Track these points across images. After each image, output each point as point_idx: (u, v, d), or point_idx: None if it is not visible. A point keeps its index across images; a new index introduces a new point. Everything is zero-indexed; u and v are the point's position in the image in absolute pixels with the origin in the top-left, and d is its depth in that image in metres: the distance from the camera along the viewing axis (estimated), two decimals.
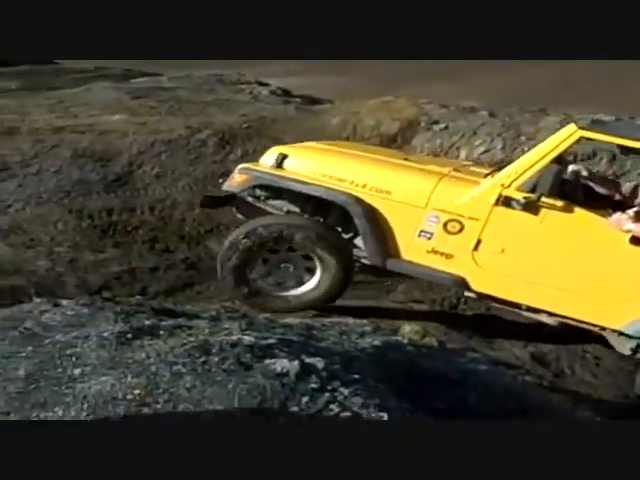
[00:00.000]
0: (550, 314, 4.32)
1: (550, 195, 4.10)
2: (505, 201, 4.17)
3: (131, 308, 2.78)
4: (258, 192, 4.72)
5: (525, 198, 4.11)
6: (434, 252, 4.31)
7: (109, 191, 6.21)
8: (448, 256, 4.29)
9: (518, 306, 4.36)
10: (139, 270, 5.05)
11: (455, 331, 4.45)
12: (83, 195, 6.11)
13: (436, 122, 7.94)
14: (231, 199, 4.84)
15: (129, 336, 2.37)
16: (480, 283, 4.32)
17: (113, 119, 7.21)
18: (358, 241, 4.58)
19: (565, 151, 4.28)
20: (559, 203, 4.12)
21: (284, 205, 4.72)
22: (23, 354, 2.28)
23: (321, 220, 4.59)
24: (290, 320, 3.73)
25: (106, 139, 6.67)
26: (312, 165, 4.54)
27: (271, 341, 2.62)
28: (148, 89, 8.65)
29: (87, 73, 11.05)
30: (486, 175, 4.50)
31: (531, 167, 4.18)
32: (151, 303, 3.15)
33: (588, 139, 4.31)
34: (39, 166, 6.29)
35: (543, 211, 4.15)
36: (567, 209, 4.14)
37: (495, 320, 4.79)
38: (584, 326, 4.25)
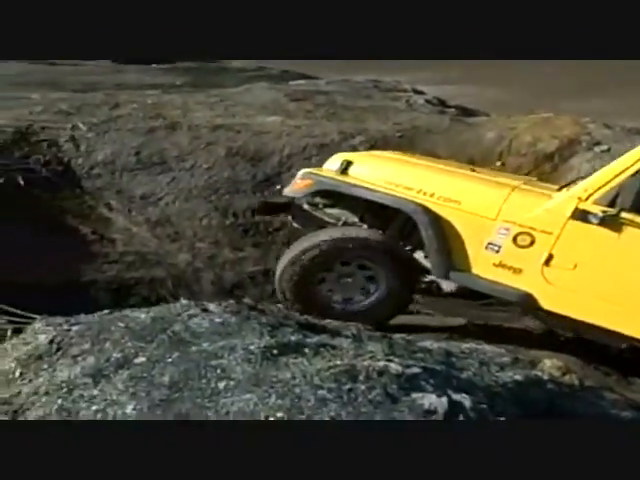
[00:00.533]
0: (622, 337, 4.07)
1: (631, 210, 3.90)
2: (581, 215, 3.97)
3: (276, 320, 2.73)
4: (317, 199, 4.65)
5: (603, 212, 3.90)
6: (501, 266, 4.14)
7: (256, 191, 6.28)
8: (516, 270, 4.11)
9: (588, 327, 4.10)
10: (273, 272, 5.06)
11: (591, 366, 4.19)
12: (231, 193, 6.21)
13: (598, 143, 7.49)
14: (289, 207, 4.82)
15: (275, 352, 2.30)
16: (549, 300, 4.10)
17: (269, 120, 7.29)
18: (417, 255, 4.49)
19: None
20: None
21: (342, 214, 4.63)
22: (169, 360, 2.27)
23: (380, 232, 4.50)
24: (427, 344, 3.59)
25: (260, 140, 6.75)
26: (378, 172, 4.44)
27: (415, 370, 2.49)
28: (306, 92, 8.71)
29: (249, 72, 11.32)
30: (560, 188, 4.37)
31: (611, 180, 3.95)
32: (295, 316, 3.08)
33: None
34: (193, 162, 6.46)
35: (622, 227, 3.93)
36: None
37: (633, 352, 4.42)
38: None
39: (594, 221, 3.91)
